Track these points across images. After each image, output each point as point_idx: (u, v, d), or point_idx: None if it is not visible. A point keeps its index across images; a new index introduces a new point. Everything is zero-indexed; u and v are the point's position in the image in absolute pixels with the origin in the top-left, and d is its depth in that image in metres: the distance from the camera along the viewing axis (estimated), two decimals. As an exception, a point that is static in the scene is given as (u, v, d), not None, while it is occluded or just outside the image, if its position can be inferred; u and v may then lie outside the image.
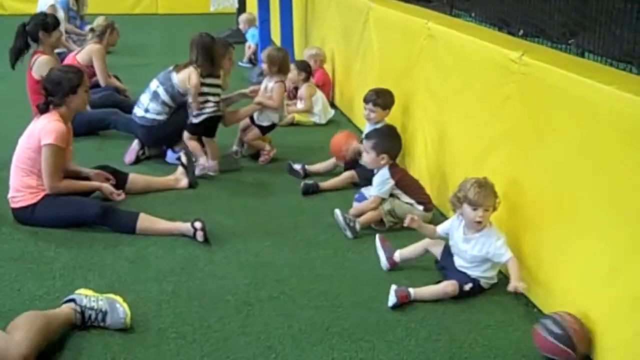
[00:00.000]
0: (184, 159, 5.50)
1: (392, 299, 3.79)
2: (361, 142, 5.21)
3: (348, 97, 7.37)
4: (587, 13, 3.94)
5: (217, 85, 5.72)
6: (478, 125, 4.42)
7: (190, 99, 5.60)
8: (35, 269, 4.18)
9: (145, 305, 3.81)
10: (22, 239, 4.57)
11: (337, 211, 4.68)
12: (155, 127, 5.79)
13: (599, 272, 3.22)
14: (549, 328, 3.29)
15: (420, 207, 4.77)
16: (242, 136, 6.23)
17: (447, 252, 4.07)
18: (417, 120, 5.34)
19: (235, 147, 6.24)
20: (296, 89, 7.50)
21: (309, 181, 5.48)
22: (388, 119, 5.47)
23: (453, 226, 4.00)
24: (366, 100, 5.40)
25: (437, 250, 4.15)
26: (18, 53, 6.46)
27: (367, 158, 4.83)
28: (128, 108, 6.51)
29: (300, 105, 7.37)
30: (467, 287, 3.87)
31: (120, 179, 5.22)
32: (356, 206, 4.88)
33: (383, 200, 4.75)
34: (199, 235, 4.51)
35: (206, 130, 5.75)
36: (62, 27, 9.44)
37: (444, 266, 4.07)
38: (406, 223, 4.14)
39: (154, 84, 5.83)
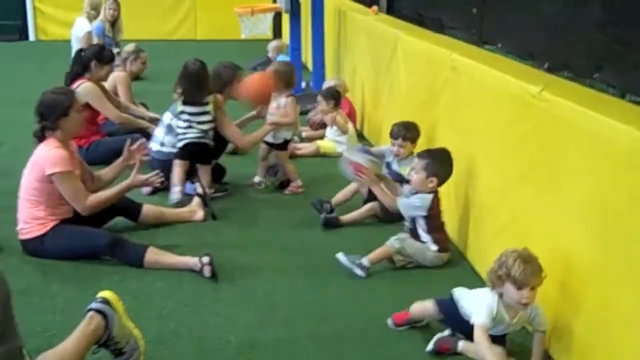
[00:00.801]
0: (200, 191, 5.39)
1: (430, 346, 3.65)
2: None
3: (376, 128, 7.21)
4: (612, 48, 3.75)
5: (205, 113, 5.59)
6: (498, 161, 4.23)
7: None
8: (37, 303, 4.09)
9: (143, 345, 3.67)
10: (29, 272, 4.49)
11: (339, 255, 4.52)
12: (172, 160, 5.69)
13: (611, 315, 3.01)
14: None
15: (435, 247, 4.58)
16: (264, 165, 6.11)
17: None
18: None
19: (258, 178, 6.11)
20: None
21: (330, 215, 5.32)
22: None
23: (487, 302, 3.43)
24: (394, 136, 5.22)
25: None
26: (73, 78, 6.51)
27: (416, 178, 4.57)
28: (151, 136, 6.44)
29: (334, 133, 7.13)
30: None
31: (133, 210, 5.12)
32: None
33: (396, 240, 4.54)
34: (206, 271, 4.38)
35: (191, 156, 5.63)
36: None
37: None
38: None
39: (167, 117, 5.75)
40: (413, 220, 4.62)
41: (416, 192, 4.62)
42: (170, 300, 4.16)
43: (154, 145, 5.81)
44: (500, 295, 3.38)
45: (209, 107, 5.59)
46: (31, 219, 4.58)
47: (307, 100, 8.72)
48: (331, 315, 4.01)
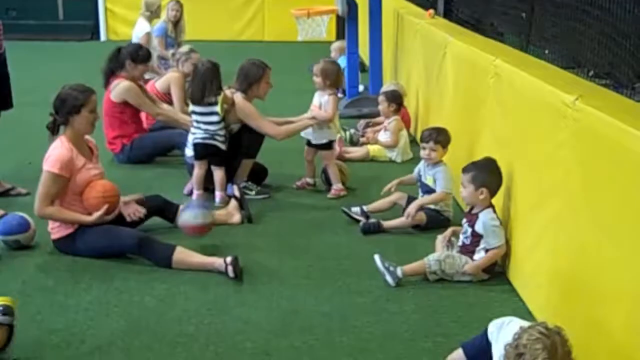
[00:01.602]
0: (237, 193, 5.36)
1: None
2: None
3: (427, 134, 7.06)
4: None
5: (211, 113, 5.54)
6: (533, 173, 4.07)
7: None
8: (62, 301, 4.12)
9: (160, 347, 3.67)
10: (60, 269, 4.53)
11: (376, 256, 4.40)
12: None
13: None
14: None
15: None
16: (311, 168, 6.04)
17: None
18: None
19: (307, 179, 6.04)
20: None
21: (372, 220, 5.22)
22: (449, 158, 5.17)
23: None
24: (425, 139, 5.12)
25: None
26: (109, 74, 6.58)
27: (465, 192, 4.43)
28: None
29: (386, 138, 7.04)
30: None
31: (170, 211, 5.11)
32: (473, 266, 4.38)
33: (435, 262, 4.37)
34: (230, 271, 4.35)
35: (199, 156, 5.62)
36: (155, 54, 9.62)
37: None
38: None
39: None
40: (475, 236, 4.41)
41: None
42: (193, 303, 4.13)
43: (188, 152, 5.82)
44: None
45: (217, 107, 5.53)
46: (56, 219, 4.63)
47: (364, 103, 8.64)
48: (352, 325, 3.91)
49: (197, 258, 4.52)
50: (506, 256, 4.41)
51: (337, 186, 5.89)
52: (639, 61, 3.75)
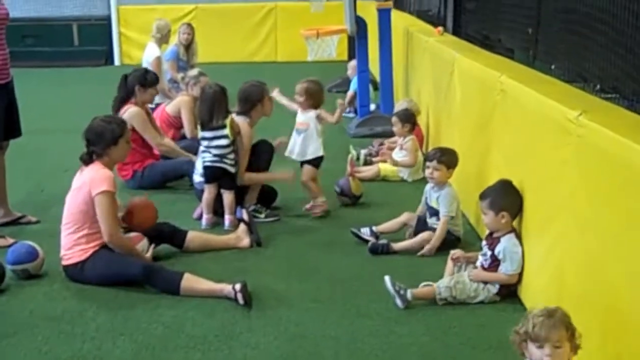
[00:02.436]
0: (245, 217, 5.33)
1: None
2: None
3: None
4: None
5: (220, 137, 5.54)
6: (540, 191, 4.02)
7: None
8: (69, 331, 4.10)
9: (165, 376, 3.64)
10: (68, 297, 4.52)
11: (387, 277, 4.35)
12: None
13: None
14: None
15: (495, 289, 4.31)
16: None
17: None
18: (490, 180, 4.95)
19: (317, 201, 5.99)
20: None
21: (382, 241, 5.17)
22: (459, 177, 5.12)
23: None
24: (430, 159, 5.08)
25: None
26: (120, 103, 6.60)
27: (487, 219, 4.34)
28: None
29: (402, 157, 6.91)
30: None
31: (178, 237, 5.11)
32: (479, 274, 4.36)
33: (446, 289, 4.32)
34: (240, 298, 4.31)
35: (208, 179, 5.63)
36: (167, 77, 9.66)
37: None
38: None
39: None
40: (494, 260, 4.31)
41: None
42: (200, 329, 4.10)
43: (196, 177, 5.83)
44: None
45: (226, 131, 5.53)
46: (73, 245, 4.61)
47: (375, 122, 8.61)
48: (361, 350, 3.86)
49: (206, 285, 4.49)
50: (519, 276, 4.33)
51: (318, 201, 5.87)
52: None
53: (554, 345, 2.83)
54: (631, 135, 3.07)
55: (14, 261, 4.75)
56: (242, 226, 5.32)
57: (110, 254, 4.60)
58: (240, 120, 5.67)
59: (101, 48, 15.39)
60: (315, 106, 5.83)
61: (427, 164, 5.10)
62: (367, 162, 7.29)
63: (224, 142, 5.56)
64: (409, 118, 6.97)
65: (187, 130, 7.30)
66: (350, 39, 10.63)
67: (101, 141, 4.66)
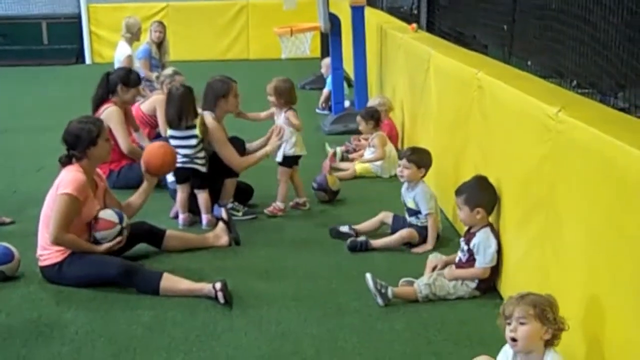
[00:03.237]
0: (224, 216, 5.30)
1: None
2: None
3: (414, 149, 7.03)
4: (635, 66, 3.54)
5: (189, 137, 5.53)
6: (519, 187, 4.04)
7: None
8: (47, 333, 4.05)
9: (147, 377, 3.61)
10: (45, 299, 4.47)
11: (368, 275, 4.34)
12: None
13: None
14: None
15: (474, 284, 4.33)
16: (296, 185, 5.99)
17: None
18: (468, 177, 4.96)
19: (299, 199, 5.98)
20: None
21: (360, 238, 5.17)
22: (437, 174, 5.13)
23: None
24: (400, 157, 5.12)
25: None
26: (99, 101, 6.51)
27: (462, 215, 4.38)
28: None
29: (371, 154, 7.00)
30: None
31: (156, 236, 5.07)
32: (453, 273, 4.39)
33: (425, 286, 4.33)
34: (220, 297, 4.29)
35: (179, 180, 5.62)
36: (141, 75, 9.58)
37: None
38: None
39: None
40: (471, 254, 4.34)
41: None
42: (181, 329, 4.07)
43: (168, 177, 5.78)
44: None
45: (195, 131, 5.53)
46: (49, 245, 4.56)
47: (350, 119, 8.60)
48: (343, 347, 3.86)
49: (185, 284, 4.46)
50: (497, 271, 4.36)
51: (276, 204, 5.86)
52: (620, 71, 3.73)
53: (519, 321, 2.91)
54: (610, 131, 3.09)
55: (-11, 263, 4.68)
56: (221, 225, 5.29)
57: (88, 255, 4.55)
58: (205, 115, 5.66)
59: (71, 46, 15.23)
60: (289, 103, 5.83)
61: (399, 162, 5.12)
62: (344, 159, 7.29)
63: (193, 142, 5.55)
64: (372, 115, 7.03)
65: (162, 128, 7.22)
66: (324, 36, 10.64)
67: (79, 143, 4.61)
